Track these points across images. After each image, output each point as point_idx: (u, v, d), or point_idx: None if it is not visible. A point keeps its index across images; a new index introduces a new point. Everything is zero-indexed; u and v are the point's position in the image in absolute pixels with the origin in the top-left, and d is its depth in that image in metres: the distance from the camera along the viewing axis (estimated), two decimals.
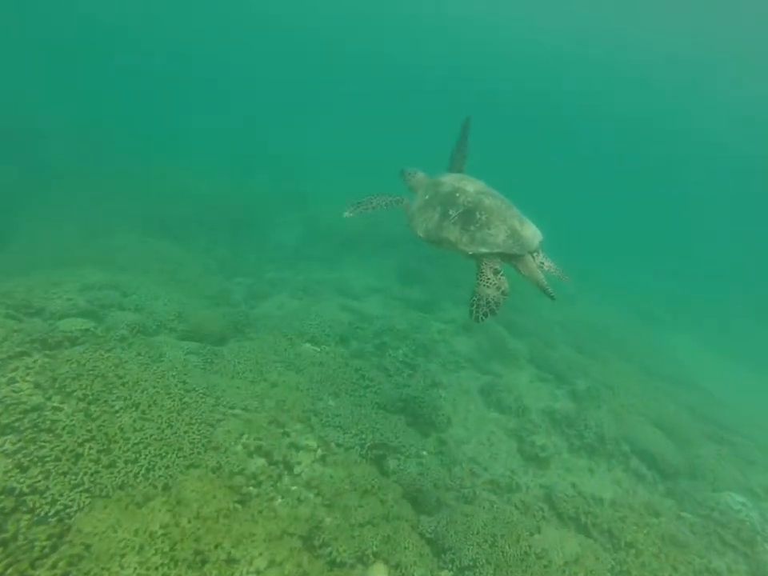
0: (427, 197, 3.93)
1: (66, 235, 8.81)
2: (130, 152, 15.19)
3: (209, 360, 6.16)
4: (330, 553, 4.11)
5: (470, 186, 3.78)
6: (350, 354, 7.77)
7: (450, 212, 3.64)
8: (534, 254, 3.63)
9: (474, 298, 3.44)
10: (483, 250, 3.47)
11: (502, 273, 3.52)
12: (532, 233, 3.56)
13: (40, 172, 12.04)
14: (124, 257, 8.37)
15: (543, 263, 3.67)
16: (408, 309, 10.43)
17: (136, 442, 4.19)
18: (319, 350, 7.44)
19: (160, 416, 4.60)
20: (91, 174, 12.22)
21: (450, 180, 3.94)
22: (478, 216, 3.53)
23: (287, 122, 31.11)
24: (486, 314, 3.34)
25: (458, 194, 3.72)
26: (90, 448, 3.96)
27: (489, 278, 3.48)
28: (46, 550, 3.20)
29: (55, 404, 4.27)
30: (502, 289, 3.44)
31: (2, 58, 22.43)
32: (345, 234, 13.23)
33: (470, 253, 3.53)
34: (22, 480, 3.50)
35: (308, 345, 7.49)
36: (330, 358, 7.22)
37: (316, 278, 11.01)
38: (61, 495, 3.54)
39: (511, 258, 3.58)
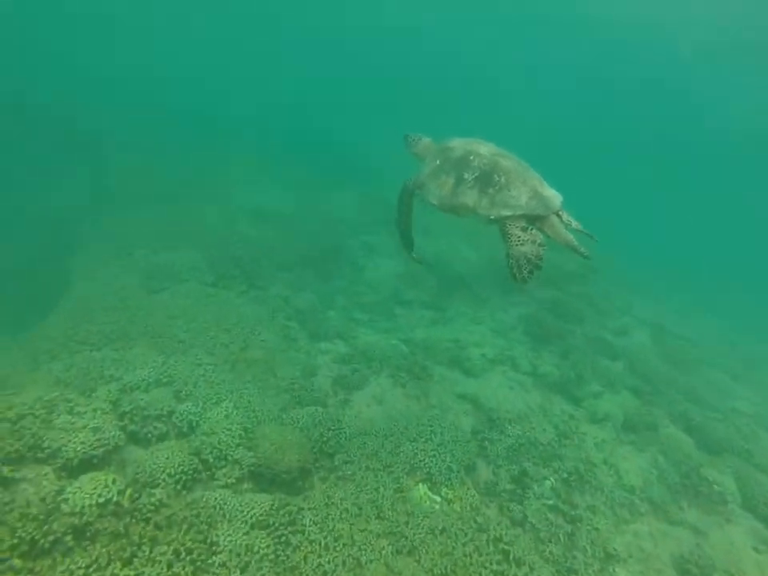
0: (438, 162, 3.67)
1: (124, 286, 7.34)
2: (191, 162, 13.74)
3: (283, 539, 4.10)
4: None
5: (484, 148, 3.54)
6: (480, 496, 5.39)
7: (466, 176, 3.42)
8: (560, 213, 3.39)
9: (511, 260, 3.18)
10: (506, 212, 3.26)
11: (531, 228, 3.27)
12: (553, 193, 3.37)
13: (104, 187, 10.97)
14: (185, 323, 6.67)
15: (570, 222, 3.44)
16: (545, 393, 7.79)
17: None
18: (439, 500, 5.12)
19: None
20: (156, 188, 10.85)
21: (460, 143, 3.70)
22: (497, 178, 3.31)
23: (367, 115, 28.67)
24: (530, 272, 3.11)
25: (471, 157, 3.48)
26: None
27: (519, 236, 3.22)
28: None
29: None
30: (538, 241, 3.18)
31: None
32: (455, 269, 10.75)
33: (492, 217, 3.30)
34: None
35: (422, 489, 5.20)
36: (456, 517, 4.89)
37: (420, 337, 8.68)
38: None
39: (536, 220, 3.33)
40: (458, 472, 5.51)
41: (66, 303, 7.19)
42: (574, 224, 3.48)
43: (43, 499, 3.72)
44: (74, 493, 3.80)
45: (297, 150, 15.48)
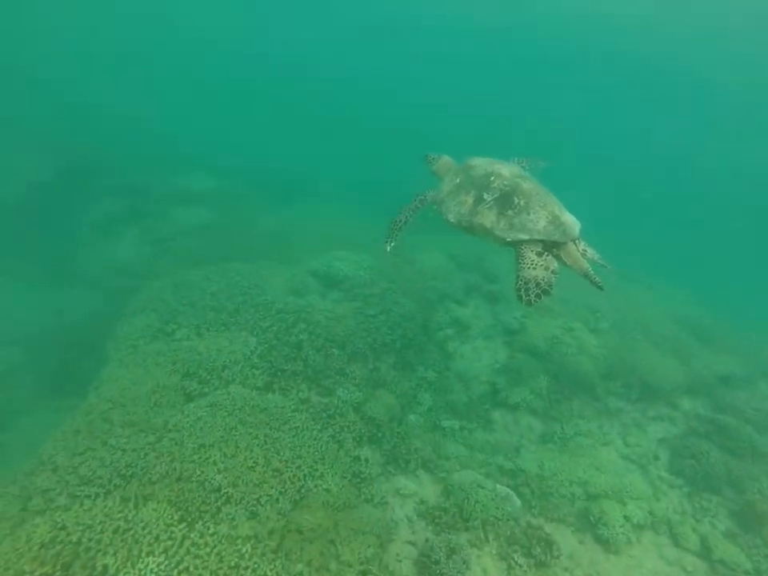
0: (458, 180, 3.74)
1: (156, 388, 5.83)
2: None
3: None
4: None
5: (505, 170, 3.58)
6: None
7: (485, 196, 3.46)
8: (576, 242, 3.42)
9: (520, 282, 3.20)
10: (523, 236, 3.26)
11: (546, 254, 3.25)
12: (572, 219, 3.37)
13: (165, 246, 9.94)
14: (221, 458, 4.91)
15: (586, 251, 3.46)
16: None
17: None
18: None
19: None
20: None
21: (482, 163, 3.75)
22: (516, 201, 3.34)
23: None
24: (537, 296, 3.10)
25: (492, 178, 3.52)
26: None
27: (533, 260, 3.22)
28: None
29: None
30: (551, 268, 3.17)
31: None
32: (574, 362, 8.38)
33: (509, 240, 3.29)
34: None
35: None
36: None
37: (532, 469, 6.43)
38: None
39: (552, 247, 3.32)
40: None
41: (85, 405, 5.77)
42: (590, 253, 3.46)
43: None
44: None
45: (375, 203, 14.02)
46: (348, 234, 11.61)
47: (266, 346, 6.94)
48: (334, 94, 33.40)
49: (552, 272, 3.18)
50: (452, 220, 3.63)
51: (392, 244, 4.13)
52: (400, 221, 4.16)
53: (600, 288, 3.19)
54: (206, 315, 7.37)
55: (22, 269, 10.99)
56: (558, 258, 3.36)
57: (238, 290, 8.12)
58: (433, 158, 4.37)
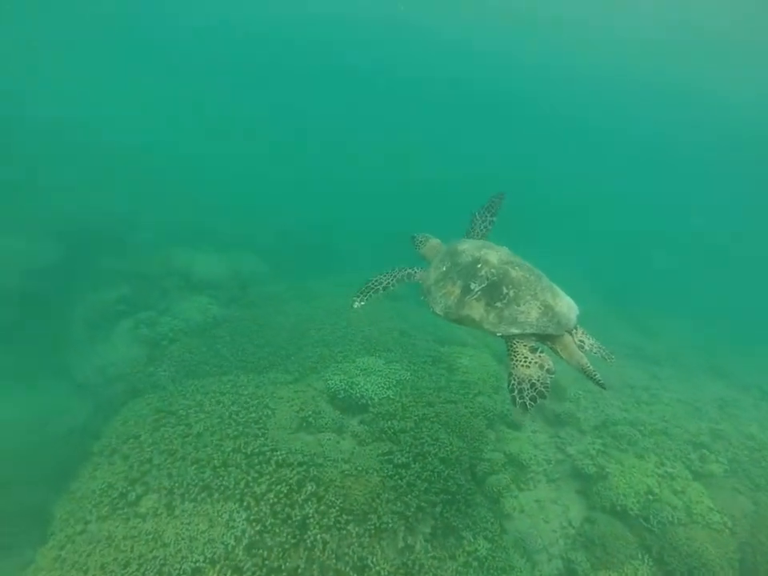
0: (444, 268, 3.54)
1: None
2: None
3: None
4: None
5: (493, 256, 3.35)
6: None
7: (472, 286, 3.23)
8: (573, 332, 3.17)
9: (513, 381, 2.89)
10: (514, 330, 3.03)
11: (541, 350, 3.02)
12: (567, 307, 3.14)
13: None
14: None
15: (584, 341, 3.19)
16: None
17: None
18: None
19: None
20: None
21: (469, 248, 3.53)
22: (505, 291, 3.12)
23: None
24: (533, 399, 2.77)
25: (479, 265, 3.31)
26: None
27: (526, 356, 2.96)
28: None
29: None
30: (546, 366, 2.88)
31: None
32: (690, 543, 6.07)
33: (499, 334, 3.09)
34: None
35: None
36: None
37: None
38: None
39: (546, 339, 3.10)
40: None
41: None
42: (588, 344, 3.21)
43: None
44: None
45: (408, 287, 12.47)
46: (376, 328, 9.92)
47: (258, 527, 5.10)
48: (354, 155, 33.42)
49: (547, 371, 2.89)
50: (439, 312, 3.39)
51: (361, 303, 3.81)
52: (378, 283, 3.86)
53: (601, 386, 2.87)
54: (184, 472, 5.66)
55: (11, 365, 9.85)
56: (552, 350, 3.12)
57: (231, 428, 6.43)
58: (420, 241, 4.14)
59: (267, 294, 11.25)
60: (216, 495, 5.35)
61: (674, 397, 9.18)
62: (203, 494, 5.33)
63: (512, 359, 3.01)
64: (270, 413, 6.86)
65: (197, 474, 5.58)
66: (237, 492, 5.41)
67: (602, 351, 3.25)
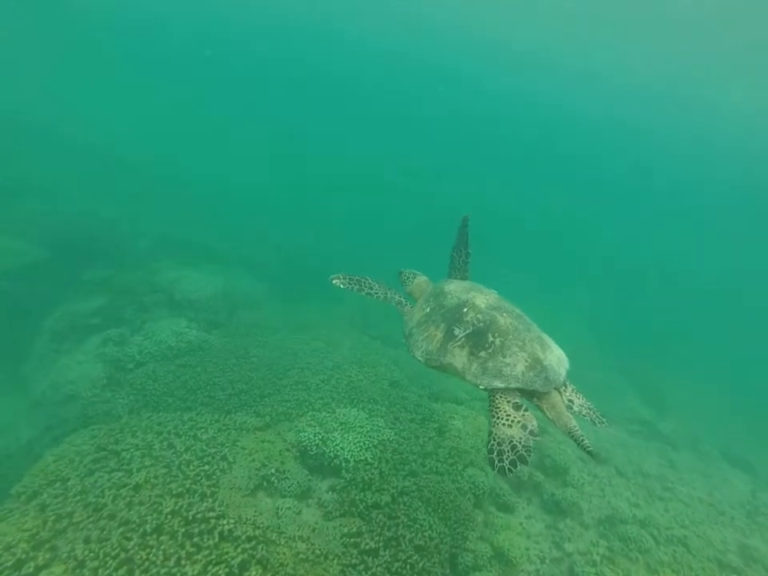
0: (428, 309, 3.35)
1: None
2: None
3: None
4: None
5: (481, 300, 3.14)
6: None
7: (456, 331, 3.01)
8: (562, 389, 2.92)
9: (493, 442, 2.65)
10: (498, 384, 2.78)
11: (525, 408, 2.75)
12: (557, 360, 2.90)
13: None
14: None
15: (573, 401, 2.91)
16: None
17: None
18: None
19: None
20: None
21: (455, 290, 3.33)
22: (491, 339, 2.88)
23: None
24: (514, 464, 2.52)
25: (465, 309, 3.09)
26: None
27: (509, 414, 2.71)
28: None
29: None
30: (530, 427, 2.63)
31: None
32: None
33: (482, 387, 2.84)
34: None
35: None
36: None
37: None
38: None
39: (532, 395, 2.86)
40: None
41: None
42: (578, 404, 2.94)
43: None
44: None
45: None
46: (365, 374, 9.03)
47: None
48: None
49: (531, 432, 2.60)
50: (419, 358, 3.15)
51: (340, 284, 3.60)
52: (367, 284, 3.74)
53: (589, 453, 2.50)
54: (107, 537, 4.71)
55: None
56: (539, 408, 2.84)
57: (177, 482, 5.50)
58: (407, 277, 4.00)
59: (253, 321, 10.45)
60: (136, 574, 4.39)
61: (694, 494, 8.11)
62: (120, 572, 4.38)
63: (493, 416, 2.78)
64: (226, 466, 5.94)
65: (120, 542, 4.65)
66: (163, 572, 4.46)
67: (592, 414, 2.99)
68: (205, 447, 6.21)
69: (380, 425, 7.52)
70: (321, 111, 47.10)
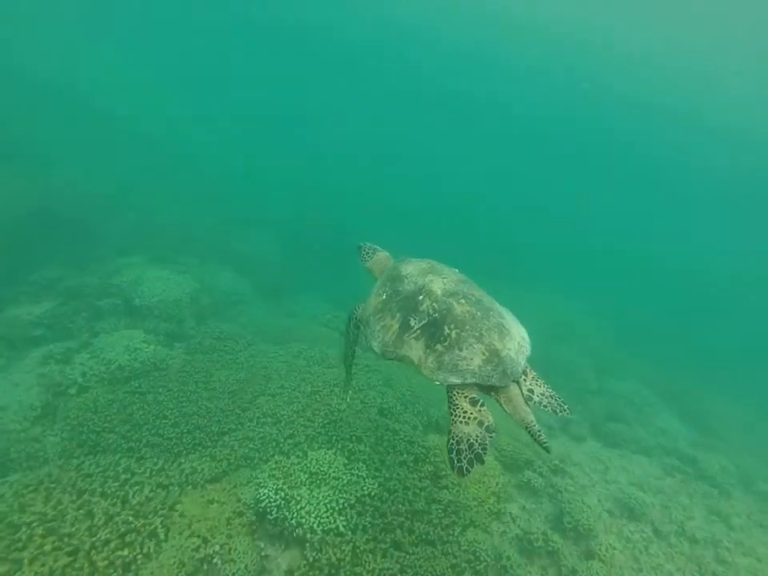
0: (384, 296, 3.19)
1: None
2: None
3: None
4: None
5: (438, 284, 3.00)
6: None
7: (412, 322, 2.89)
8: (522, 378, 2.80)
9: (452, 441, 2.58)
10: (454, 380, 2.70)
11: (482, 403, 2.71)
12: (516, 348, 2.79)
13: None
14: None
15: (533, 390, 2.78)
16: None
17: None
18: None
19: None
20: None
21: (412, 272, 3.19)
22: (447, 331, 2.77)
23: None
24: (471, 462, 2.48)
25: (421, 297, 2.96)
26: None
27: (466, 411, 2.66)
28: None
29: None
30: (486, 424, 2.61)
31: None
32: None
33: (437, 383, 2.76)
34: None
35: None
36: None
37: None
38: None
39: (490, 389, 2.77)
40: None
41: None
42: (538, 393, 2.78)
43: None
44: None
45: None
46: (348, 401, 7.75)
47: None
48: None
49: (487, 429, 2.57)
50: (376, 349, 3.01)
51: (348, 396, 3.97)
52: (347, 357, 3.83)
53: (545, 449, 2.48)
54: None
55: None
56: (496, 401, 2.76)
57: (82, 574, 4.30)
58: (366, 252, 3.84)
59: (224, 331, 9.09)
60: None
61: (759, 568, 6.67)
62: None
63: (451, 413, 2.68)
64: (153, 548, 4.72)
65: None
66: None
67: (553, 403, 2.78)
68: (132, 518, 4.98)
69: (361, 473, 6.24)
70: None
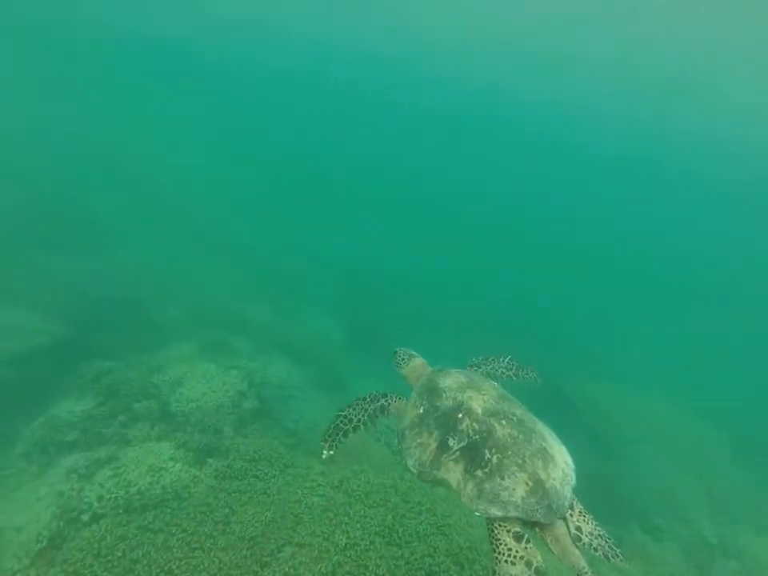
0: (421, 409, 3.09)
1: None
2: None
3: None
4: None
5: (478, 402, 2.90)
6: None
7: (450, 442, 2.76)
8: (568, 512, 2.59)
9: None
10: (495, 512, 2.53)
11: (527, 539, 2.51)
12: (561, 477, 2.62)
13: None
14: None
15: (580, 529, 2.55)
16: None
17: None
18: None
19: None
20: None
21: (451, 386, 3.10)
22: (488, 456, 2.63)
23: None
24: None
25: (461, 415, 2.86)
26: None
27: (510, 548, 2.46)
28: None
29: None
30: (535, 565, 2.39)
31: None
32: None
33: (478, 514, 2.61)
34: None
35: None
36: None
37: None
38: None
39: (534, 524, 2.60)
40: None
41: None
42: (587, 531, 2.54)
43: None
44: None
45: None
46: (390, 556, 6.29)
47: None
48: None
49: (536, 571, 2.36)
50: (412, 468, 2.88)
51: (330, 452, 3.35)
52: (347, 421, 3.40)
53: None
54: None
55: None
56: (542, 537, 2.58)
57: None
58: (402, 358, 3.77)
59: (258, 452, 7.98)
60: None
61: None
62: None
63: (494, 550, 2.52)
64: None
65: None
66: None
67: (605, 546, 2.54)
68: None
69: None
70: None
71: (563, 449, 2.83)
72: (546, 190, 41.35)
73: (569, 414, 12.56)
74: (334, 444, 3.35)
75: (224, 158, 29.84)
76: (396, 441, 3.29)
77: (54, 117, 24.30)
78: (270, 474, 7.67)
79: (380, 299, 17.91)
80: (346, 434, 3.37)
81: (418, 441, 2.92)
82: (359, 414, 3.42)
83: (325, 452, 3.34)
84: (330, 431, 3.39)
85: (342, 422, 3.42)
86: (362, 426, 3.40)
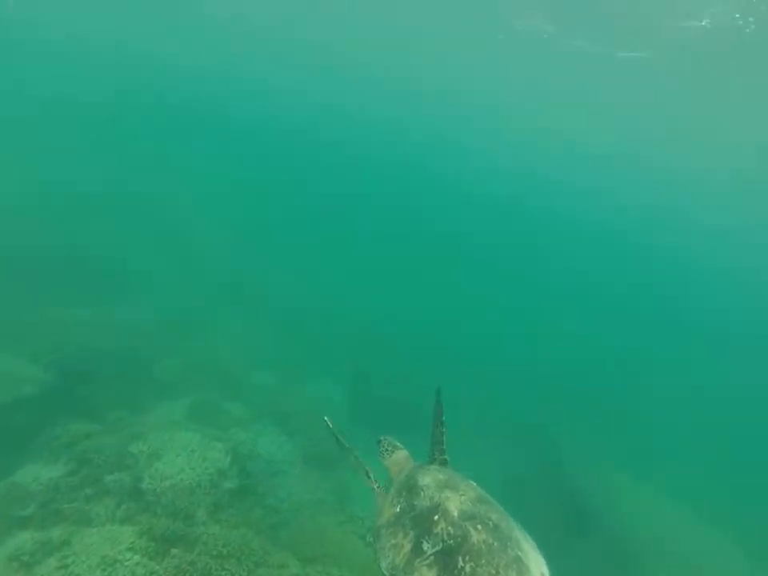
0: (398, 508, 3.04)
1: None
2: None
3: None
4: None
5: (454, 503, 2.82)
6: None
7: (425, 546, 2.66)
8: None
9: None
10: None
11: None
12: None
13: None
14: None
15: None
16: None
17: None
18: None
19: None
20: None
21: (429, 485, 3.05)
22: (461, 564, 2.48)
23: None
24: None
25: (436, 516, 2.76)
26: None
27: None
28: None
29: None
30: None
31: None
32: None
33: None
34: None
35: None
36: None
37: None
38: None
39: None
40: None
41: None
42: None
43: None
44: None
45: None
46: None
47: None
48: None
49: None
50: (385, 572, 2.75)
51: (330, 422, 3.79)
52: (346, 447, 3.71)
53: None
54: None
55: None
56: None
57: None
58: (385, 448, 3.80)
59: (227, 548, 6.96)
60: None
61: None
62: None
63: None
64: None
65: None
66: None
67: None
68: None
69: None
70: None
71: (540, 558, 2.70)
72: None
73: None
74: (336, 432, 3.72)
75: (255, 212, 30.06)
76: (369, 539, 2.95)
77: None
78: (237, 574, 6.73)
79: (393, 366, 17.00)
80: (339, 442, 3.71)
81: (393, 541, 2.85)
82: (356, 459, 3.60)
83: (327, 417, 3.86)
84: (335, 430, 3.74)
85: (347, 445, 3.70)
86: (349, 461, 3.68)
